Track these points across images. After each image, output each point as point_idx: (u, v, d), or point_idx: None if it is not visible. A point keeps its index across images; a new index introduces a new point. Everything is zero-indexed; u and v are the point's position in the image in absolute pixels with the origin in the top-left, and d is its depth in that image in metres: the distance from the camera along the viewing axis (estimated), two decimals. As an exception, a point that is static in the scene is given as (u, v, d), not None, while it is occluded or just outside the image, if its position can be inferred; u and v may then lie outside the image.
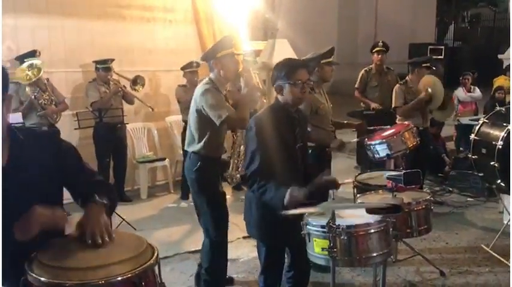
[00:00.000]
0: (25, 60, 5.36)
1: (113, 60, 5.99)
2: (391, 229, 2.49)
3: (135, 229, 5.04)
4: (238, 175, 3.58)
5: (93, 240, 1.72)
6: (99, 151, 5.94)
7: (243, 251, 4.65)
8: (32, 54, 5.41)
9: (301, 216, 2.53)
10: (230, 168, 3.54)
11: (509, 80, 9.25)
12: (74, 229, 1.81)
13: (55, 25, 5.86)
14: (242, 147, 3.60)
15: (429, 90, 5.37)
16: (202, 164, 3.51)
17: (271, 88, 6.93)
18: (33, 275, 1.59)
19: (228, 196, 6.39)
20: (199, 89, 3.53)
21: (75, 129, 5.68)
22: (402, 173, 2.75)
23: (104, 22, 6.24)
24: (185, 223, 5.53)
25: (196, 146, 3.55)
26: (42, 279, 1.57)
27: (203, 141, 3.52)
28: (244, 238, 4.82)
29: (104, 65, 5.92)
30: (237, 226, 5.15)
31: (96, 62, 5.95)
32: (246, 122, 3.28)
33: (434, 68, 5.74)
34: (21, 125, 4.71)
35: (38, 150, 1.83)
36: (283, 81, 2.78)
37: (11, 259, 1.66)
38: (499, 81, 9.38)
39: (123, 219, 5.12)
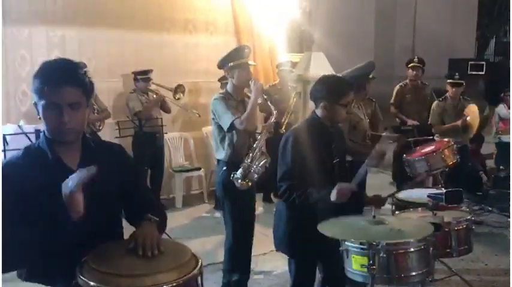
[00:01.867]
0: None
1: (151, 71, 6.13)
2: (431, 248, 2.46)
3: (170, 237, 5.10)
4: (247, 181, 3.64)
5: (143, 252, 1.77)
6: (138, 159, 6.04)
7: (276, 264, 4.63)
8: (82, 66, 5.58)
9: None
10: (239, 171, 3.62)
11: None
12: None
13: (100, 36, 6.06)
14: (261, 157, 3.69)
15: (468, 119, 5.31)
16: (227, 169, 3.71)
17: (307, 101, 6.96)
18: (83, 278, 1.65)
19: (260, 208, 6.49)
20: (212, 100, 3.76)
21: (116, 137, 5.83)
22: (444, 191, 2.72)
23: (147, 33, 6.41)
24: (219, 233, 5.54)
25: (221, 153, 3.78)
26: (92, 283, 1.63)
27: (224, 147, 3.74)
28: (277, 250, 4.81)
29: (143, 76, 6.07)
30: (268, 237, 5.17)
31: (136, 73, 6.10)
32: (250, 125, 3.57)
33: (463, 84, 5.66)
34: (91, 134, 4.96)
35: (107, 159, 1.92)
36: (328, 100, 2.81)
37: (66, 260, 1.73)
38: None
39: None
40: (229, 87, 3.81)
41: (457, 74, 5.97)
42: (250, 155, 3.69)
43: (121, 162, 1.99)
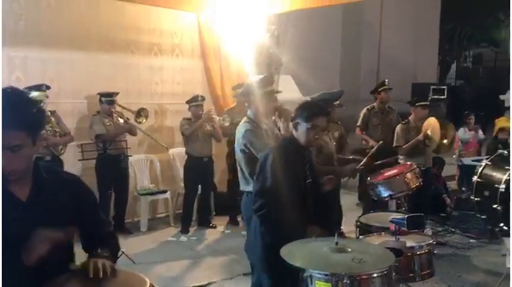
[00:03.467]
0: (31, 92, 5.41)
1: (117, 93, 6.06)
2: (393, 273, 2.46)
3: (134, 262, 4.99)
4: None
5: (95, 272, 1.73)
6: (102, 182, 5.94)
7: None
8: (38, 87, 5.39)
9: None
10: None
11: (509, 122, 9.33)
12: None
13: (64, 57, 5.97)
14: None
15: (428, 132, 5.44)
16: None
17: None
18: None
19: (228, 231, 6.44)
20: (240, 130, 3.63)
21: (79, 160, 5.71)
22: (406, 217, 2.75)
23: (111, 55, 6.35)
24: (184, 258, 5.48)
25: (250, 186, 3.53)
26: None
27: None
28: (244, 274, 4.76)
29: (108, 98, 5.99)
30: (237, 262, 5.12)
31: (101, 95, 6.01)
32: None
33: (429, 106, 5.83)
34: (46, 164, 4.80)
35: (60, 190, 1.87)
36: (302, 120, 2.90)
37: None
38: (500, 122, 9.44)
39: (123, 252, 5.07)
40: (252, 115, 3.69)
41: (416, 98, 6.16)
42: None
43: (76, 192, 1.93)
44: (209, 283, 4.76)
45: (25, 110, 1.75)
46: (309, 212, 2.88)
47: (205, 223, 6.60)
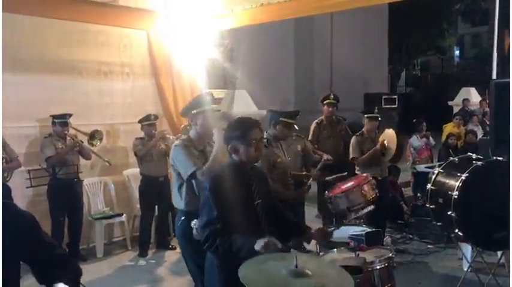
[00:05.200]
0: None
1: (71, 115, 5.87)
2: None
3: (91, 292, 4.78)
4: None
5: None
6: (54, 208, 5.70)
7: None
8: None
9: None
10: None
11: (457, 127, 9.66)
12: None
13: (8, 80, 5.68)
14: None
15: (385, 142, 5.53)
16: (185, 219, 3.60)
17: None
18: None
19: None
20: (172, 146, 3.70)
21: (27, 187, 5.45)
22: (364, 233, 2.74)
23: (58, 77, 6.13)
24: (143, 283, 5.32)
25: (179, 203, 3.68)
26: None
27: (182, 196, 3.64)
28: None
29: (61, 120, 5.78)
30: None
31: (54, 117, 5.80)
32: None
33: (376, 118, 5.95)
34: None
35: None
36: (237, 141, 2.76)
37: None
38: (448, 128, 9.77)
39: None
40: (192, 134, 3.70)
41: (375, 108, 6.25)
42: None
43: (11, 220, 1.78)
44: (170, 308, 4.62)
45: None
46: (263, 234, 2.78)
47: (163, 244, 6.44)
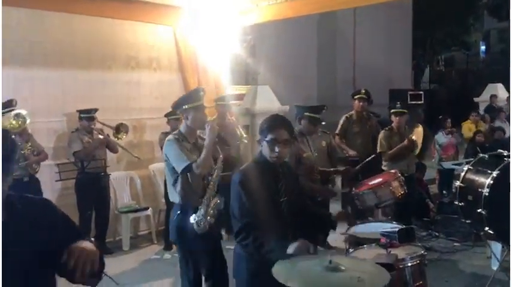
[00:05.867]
0: (3, 110, 5.26)
1: (96, 110, 5.94)
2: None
3: (117, 284, 4.83)
4: (205, 224, 3.58)
5: (75, 265, 1.63)
6: (81, 202, 5.79)
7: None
8: (9, 103, 5.29)
9: None
10: (199, 214, 3.56)
11: (474, 124, 9.47)
12: None
13: (38, 75, 5.82)
14: (213, 199, 3.65)
15: (413, 137, 5.47)
16: (181, 213, 3.66)
17: (255, 134, 6.96)
18: None
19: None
20: (165, 141, 3.72)
21: (57, 181, 5.55)
22: (397, 230, 2.71)
23: (87, 72, 6.24)
24: (169, 276, 5.35)
25: (175, 196, 3.71)
26: None
27: (178, 190, 3.67)
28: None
29: (87, 115, 5.86)
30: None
31: (80, 112, 5.89)
32: (205, 169, 3.57)
33: (405, 113, 5.87)
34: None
35: (34, 219, 1.74)
36: (262, 136, 2.80)
37: None
38: (466, 125, 9.58)
39: (105, 273, 4.92)
40: (183, 128, 3.76)
41: (398, 103, 6.15)
42: (206, 197, 3.64)
43: (50, 217, 1.81)
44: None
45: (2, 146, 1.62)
46: (287, 231, 2.78)
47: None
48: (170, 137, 3.71)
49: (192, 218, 3.56)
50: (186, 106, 3.68)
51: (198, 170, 3.54)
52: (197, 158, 3.57)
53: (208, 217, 3.59)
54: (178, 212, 3.68)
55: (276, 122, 2.80)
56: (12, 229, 1.62)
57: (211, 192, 3.67)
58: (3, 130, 1.68)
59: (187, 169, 3.54)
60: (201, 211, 3.58)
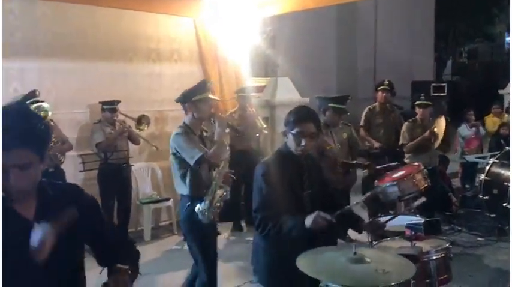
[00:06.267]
0: (28, 101, 5.33)
1: (119, 101, 5.99)
2: (412, 281, 2.40)
3: (140, 274, 4.90)
4: (210, 214, 3.61)
5: None
6: (104, 192, 5.85)
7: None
8: (32, 94, 5.34)
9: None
10: (204, 204, 3.59)
11: (497, 116, 9.27)
12: None
13: (61, 67, 5.89)
14: (219, 191, 3.71)
15: (435, 129, 5.40)
16: (191, 204, 3.69)
17: (275, 125, 6.96)
18: None
19: (232, 238, 6.37)
20: (172, 134, 3.77)
21: (80, 171, 5.62)
22: (422, 221, 2.68)
23: (109, 63, 6.29)
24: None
25: (183, 188, 3.74)
26: None
27: (186, 182, 3.69)
28: (251, 282, 4.69)
29: (110, 106, 5.92)
30: (243, 269, 5.05)
31: (103, 103, 5.95)
32: (217, 160, 3.63)
33: (429, 105, 5.80)
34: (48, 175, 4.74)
35: (65, 204, 1.79)
36: (288, 128, 2.78)
37: None
38: (489, 119, 9.39)
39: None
40: (188, 121, 3.79)
41: (422, 95, 6.07)
42: (212, 188, 3.67)
43: (80, 202, 1.85)
44: (216, 292, 4.68)
45: (33, 127, 1.69)
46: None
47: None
48: (178, 130, 3.74)
49: (197, 208, 3.61)
50: (195, 98, 3.70)
51: (212, 160, 3.60)
52: (207, 150, 3.61)
53: (214, 208, 3.64)
54: (188, 203, 3.71)
55: (303, 115, 2.77)
56: (44, 212, 1.70)
57: (217, 183, 3.69)
58: (37, 115, 1.74)
59: (200, 160, 3.56)
60: (206, 202, 3.61)
